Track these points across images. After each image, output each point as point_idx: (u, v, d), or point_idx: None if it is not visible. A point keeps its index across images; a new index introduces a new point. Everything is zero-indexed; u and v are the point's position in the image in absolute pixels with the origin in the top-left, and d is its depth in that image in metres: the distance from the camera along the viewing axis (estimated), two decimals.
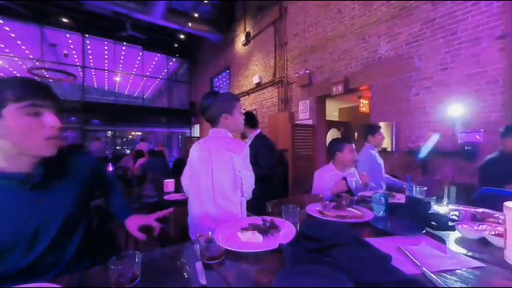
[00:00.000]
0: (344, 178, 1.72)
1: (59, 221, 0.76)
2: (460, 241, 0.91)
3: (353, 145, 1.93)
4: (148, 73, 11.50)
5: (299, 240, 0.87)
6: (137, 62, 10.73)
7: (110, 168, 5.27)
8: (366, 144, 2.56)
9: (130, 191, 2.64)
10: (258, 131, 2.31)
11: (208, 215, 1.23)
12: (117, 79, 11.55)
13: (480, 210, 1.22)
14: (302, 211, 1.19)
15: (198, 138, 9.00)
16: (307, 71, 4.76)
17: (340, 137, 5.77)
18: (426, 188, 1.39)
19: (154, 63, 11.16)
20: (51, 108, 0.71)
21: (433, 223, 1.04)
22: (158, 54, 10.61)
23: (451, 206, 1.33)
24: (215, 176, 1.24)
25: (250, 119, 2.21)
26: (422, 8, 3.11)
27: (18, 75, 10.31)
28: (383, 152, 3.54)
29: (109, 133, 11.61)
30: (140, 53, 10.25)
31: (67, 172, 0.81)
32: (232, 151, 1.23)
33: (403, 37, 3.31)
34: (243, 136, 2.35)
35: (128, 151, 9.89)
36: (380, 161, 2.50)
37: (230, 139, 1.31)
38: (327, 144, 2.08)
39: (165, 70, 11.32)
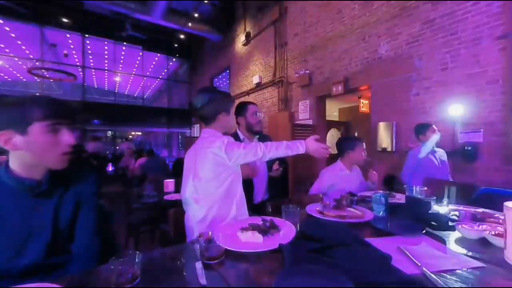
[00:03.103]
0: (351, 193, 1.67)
1: (53, 229, 0.77)
2: (460, 241, 0.90)
3: (364, 143, 1.90)
4: (148, 73, 11.51)
5: (299, 240, 0.87)
6: (137, 62, 10.74)
7: (110, 168, 5.28)
8: (418, 146, 2.44)
9: (130, 191, 2.64)
10: None
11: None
12: (117, 79, 11.56)
13: (480, 210, 1.22)
14: (302, 211, 1.19)
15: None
16: (307, 71, 4.76)
17: (340, 136, 5.77)
18: (426, 188, 1.39)
19: (154, 63, 11.17)
20: (69, 125, 0.78)
21: (433, 223, 1.04)
22: (158, 54, 10.61)
23: (451, 206, 1.32)
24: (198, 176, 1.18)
25: None
26: (422, 8, 3.11)
27: (18, 75, 10.36)
28: (382, 152, 3.55)
29: (109, 133, 11.60)
30: (140, 53, 10.25)
31: (70, 185, 0.83)
32: (208, 147, 1.14)
33: (403, 37, 3.31)
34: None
35: (120, 148, 9.51)
36: (437, 161, 2.35)
37: (214, 137, 1.17)
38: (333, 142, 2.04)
39: (165, 70, 11.33)
